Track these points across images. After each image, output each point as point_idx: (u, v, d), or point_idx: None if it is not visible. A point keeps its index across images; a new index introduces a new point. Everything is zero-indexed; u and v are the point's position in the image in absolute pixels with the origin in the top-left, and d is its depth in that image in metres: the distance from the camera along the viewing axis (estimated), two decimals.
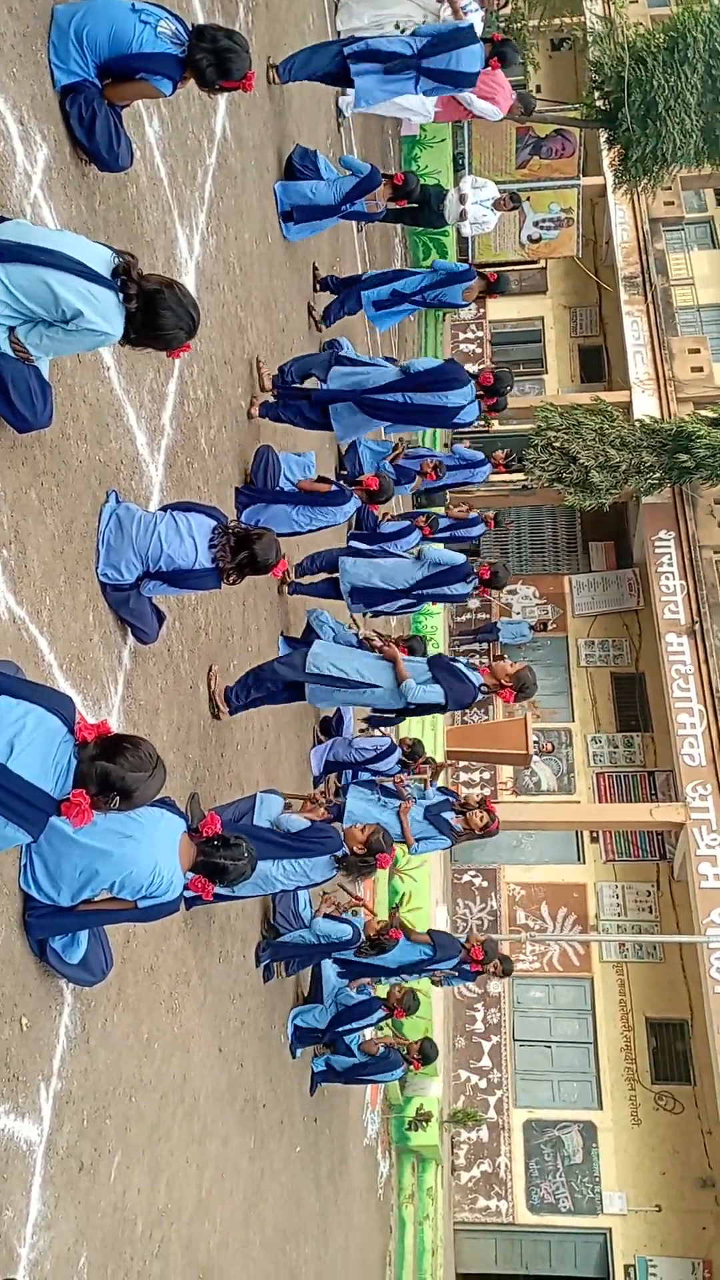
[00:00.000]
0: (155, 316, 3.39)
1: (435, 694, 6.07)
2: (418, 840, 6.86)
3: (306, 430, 7.36)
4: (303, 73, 7.48)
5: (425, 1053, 8.24)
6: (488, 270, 8.75)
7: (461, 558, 8.07)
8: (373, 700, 6.34)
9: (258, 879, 5.03)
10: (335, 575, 7.55)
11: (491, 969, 7.93)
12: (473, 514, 10.26)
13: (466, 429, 9.88)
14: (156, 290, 3.39)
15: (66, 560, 3.88)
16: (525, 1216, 15.33)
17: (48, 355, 3.39)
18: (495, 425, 20.19)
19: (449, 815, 6.89)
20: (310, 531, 7.07)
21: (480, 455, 8.66)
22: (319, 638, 7.16)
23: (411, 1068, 8.39)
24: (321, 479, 6.72)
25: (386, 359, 7.59)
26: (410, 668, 6.10)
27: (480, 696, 6.33)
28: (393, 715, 7.69)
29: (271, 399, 6.82)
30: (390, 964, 7.51)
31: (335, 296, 8.73)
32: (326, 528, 7.12)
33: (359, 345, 9.89)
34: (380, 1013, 7.66)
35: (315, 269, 8.76)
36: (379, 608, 7.96)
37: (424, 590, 7.71)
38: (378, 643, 6.21)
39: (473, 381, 7.47)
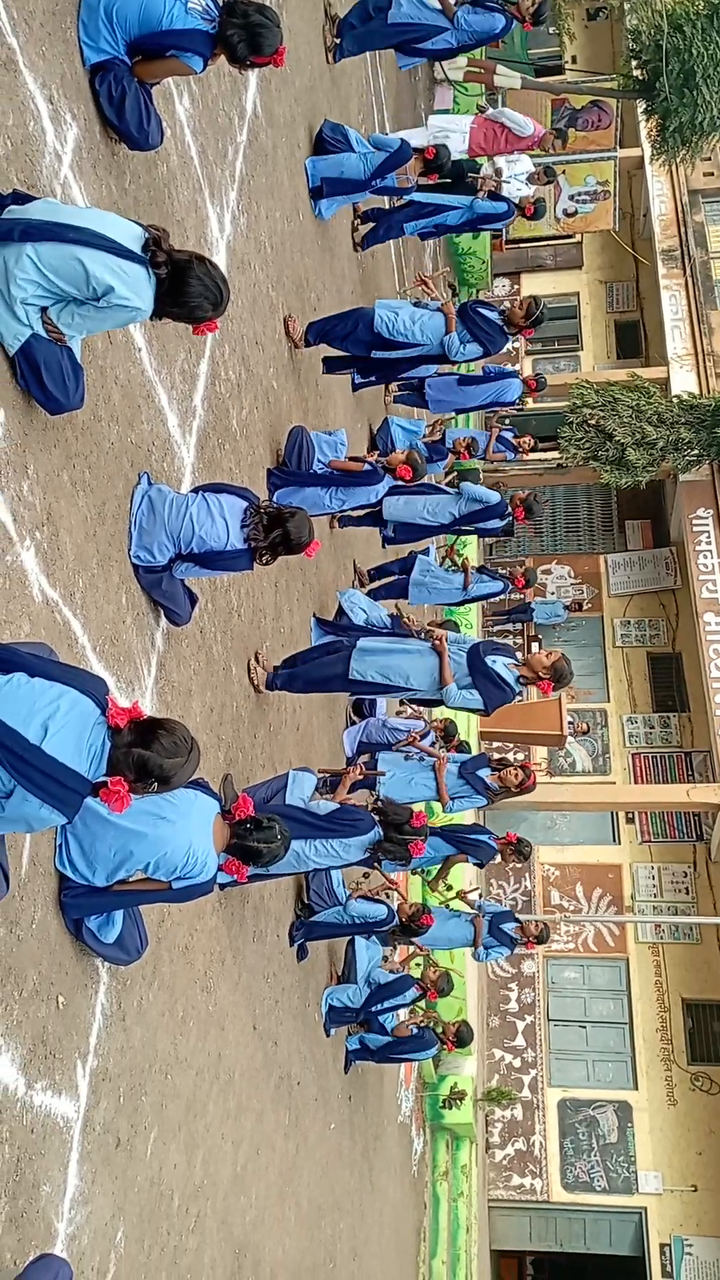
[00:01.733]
0: (183, 285, 3.38)
1: (474, 700, 6.08)
2: (453, 798, 6.84)
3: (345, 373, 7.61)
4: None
5: (461, 1036, 8.25)
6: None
7: (497, 495, 8.43)
8: (413, 696, 6.39)
9: (290, 857, 5.05)
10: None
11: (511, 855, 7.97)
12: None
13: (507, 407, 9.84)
14: (187, 262, 3.39)
15: (99, 543, 3.89)
16: (560, 1194, 15.37)
17: (80, 334, 3.39)
18: (530, 403, 20.01)
19: (484, 773, 6.86)
20: (338, 521, 7.10)
21: (496, 496, 8.69)
22: (351, 620, 7.15)
23: (445, 1048, 8.42)
24: (354, 458, 6.69)
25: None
26: (452, 664, 6.08)
27: (518, 694, 6.33)
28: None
29: (304, 344, 6.94)
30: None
31: (375, 224, 8.76)
32: (360, 508, 7.10)
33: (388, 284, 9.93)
34: (414, 992, 7.68)
35: (355, 209, 8.84)
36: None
37: (462, 525, 8.43)
38: (434, 641, 6.17)
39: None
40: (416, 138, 9.73)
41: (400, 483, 7.22)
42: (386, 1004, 7.50)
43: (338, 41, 8.15)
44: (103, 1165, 3.72)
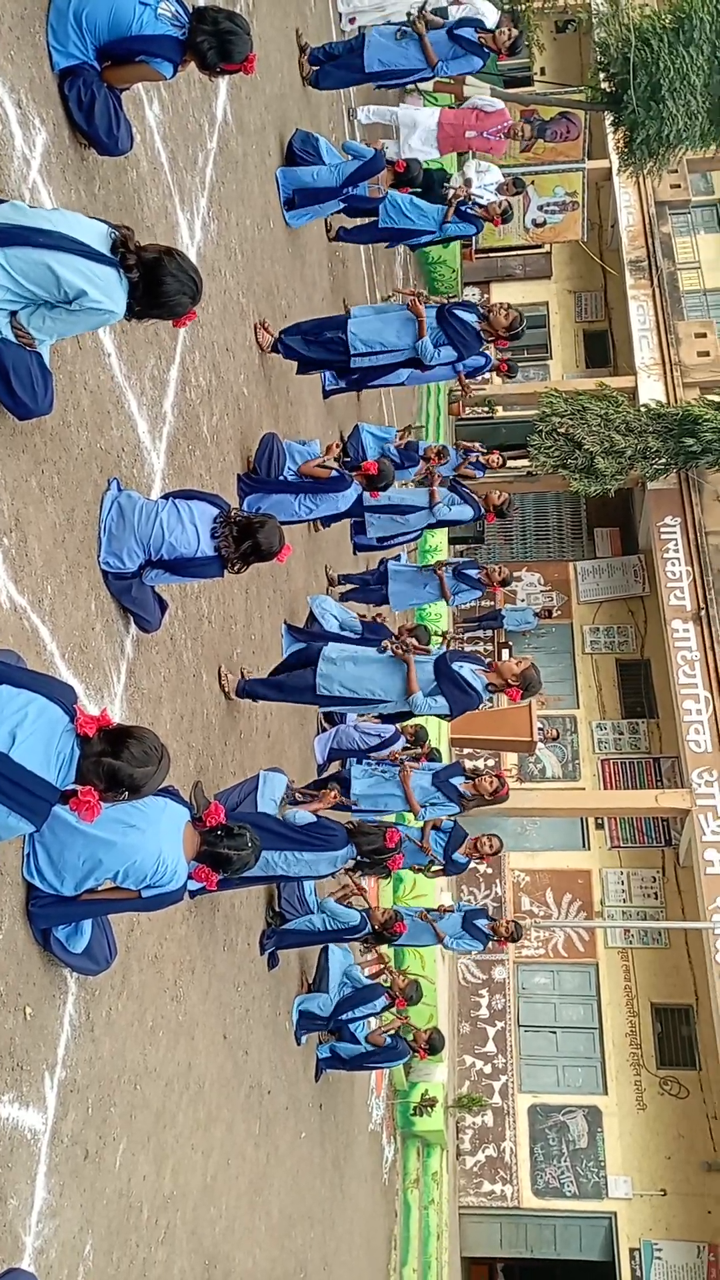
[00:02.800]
0: (158, 284, 3.37)
1: (440, 706, 6.10)
2: (426, 806, 6.85)
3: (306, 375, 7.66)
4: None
5: (433, 1043, 8.27)
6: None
7: (470, 511, 8.78)
8: (381, 709, 6.41)
9: (259, 864, 5.04)
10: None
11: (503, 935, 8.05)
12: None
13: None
14: (157, 259, 3.37)
15: (68, 549, 3.86)
16: (530, 1200, 15.39)
17: (51, 338, 3.37)
18: (500, 412, 20.14)
19: (457, 781, 6.88)
20: (316, 526, 7.09)
21: (470, 513, 8.91)
22: (323, 626, 7.15)
23: (418, 1056, 8.42)
24: (322, 464, 6.70)
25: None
26: (418, 671, 6.10)
27: (485, 699, 6.35)
28: None
29: (274, 348, 6.92)
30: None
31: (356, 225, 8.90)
32: (329, 515, 7.10)
33: (358, 291, 9.98)
34: (383, 1000, 7.68)
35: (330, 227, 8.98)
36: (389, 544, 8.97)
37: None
38: (395, 648, 6.18)
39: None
40: (384, 116, 9.78)
41: (367, 489, 7.24)
42: (356, 1012, 7.49)
43: (315, 69, 8.21)
44: (71, 1177, 3.68)
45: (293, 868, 5.46)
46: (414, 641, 6.56)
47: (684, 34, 14.33)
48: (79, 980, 3.76)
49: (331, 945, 7.57)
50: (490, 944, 8.33)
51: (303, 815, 5.57)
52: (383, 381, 8.55)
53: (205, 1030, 5.19)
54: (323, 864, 5.51)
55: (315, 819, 5.59)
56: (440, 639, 9.18)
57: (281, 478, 6.47)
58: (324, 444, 7.11)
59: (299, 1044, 7.27)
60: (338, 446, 6.97)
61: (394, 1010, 7.91)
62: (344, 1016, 7.44)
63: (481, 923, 8.14)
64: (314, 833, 5.49)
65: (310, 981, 7.58)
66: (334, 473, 6.64)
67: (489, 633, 18.54)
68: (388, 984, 7.88)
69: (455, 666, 6.07)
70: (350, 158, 7.69)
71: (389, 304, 7.62)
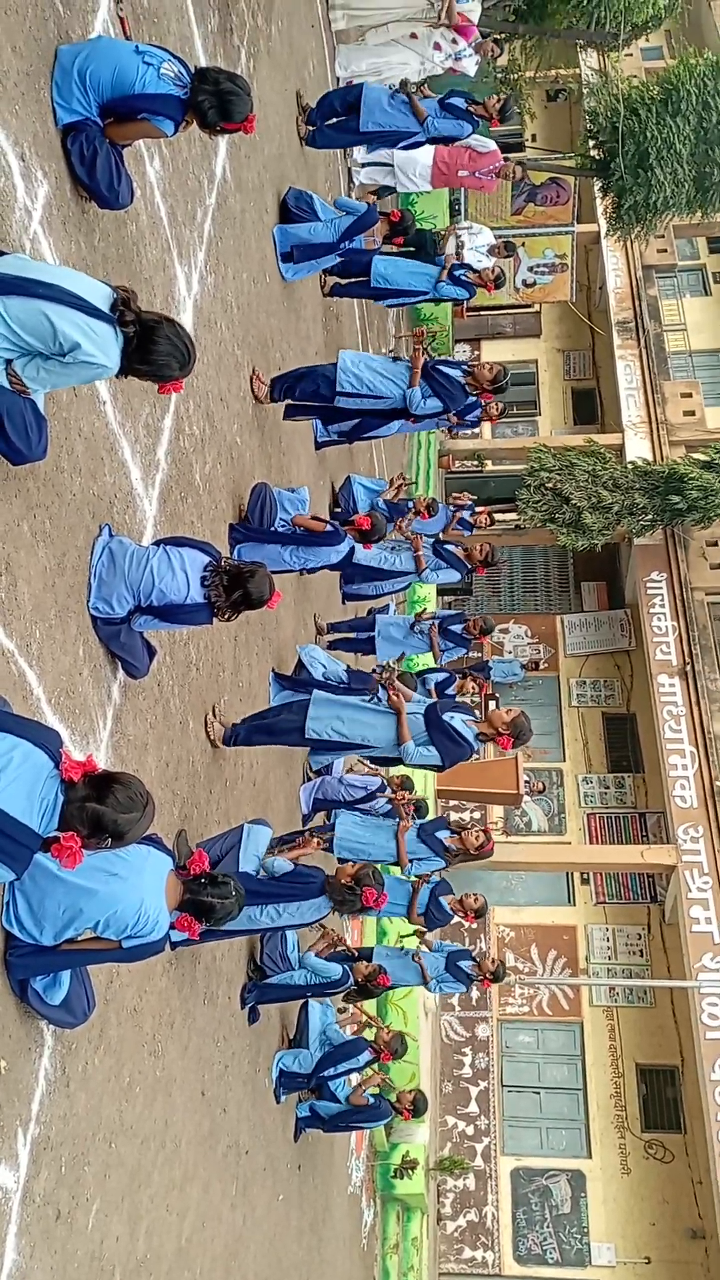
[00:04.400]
0: (151, 344, 3.42)
1: (432, 756, 6.07)
2: (412, 861, 6.79)
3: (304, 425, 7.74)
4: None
5: (416, 1106, 8.12)
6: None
7: (458, 575, 8.88)
8: (371, 754, 6.37)
9: (242, 918, 4.96)
10: None
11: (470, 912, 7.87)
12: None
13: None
14: (156, 322, 3.43)
15: (57, 593, 3.86)
16: (512, 1268, 15.02)
17: (44, 388, 3.40)
18: (489, 466, 20.36)
19: (443, 835, 6.83)
20: (303, 572, 7.09)
21: (456, 576, 9.06)
22: (310, 674, 7.13)
23: (401, 1117, 8.26)
24: (316, 517, 6.74)
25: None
26: (409, 721, 6.08)
27: (475, 751, 6.34)
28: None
29: (269, 399, 7.00)
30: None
31: (349, 281, 9.01)
32: (320, 568, 7.13)
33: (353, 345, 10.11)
34: (367, 1055, 7.54)
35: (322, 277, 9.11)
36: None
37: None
38: (392, 697, 6.17)
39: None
40: (381, 176, 10.01)
41: (360, 542, 7.28)
42: (339, 1068, 7.35)
43: (311, 129, 8.43)
44: (42, 1239, 3.57)
45: (281, 919, 5.38)
46: (401, 686, 6.54)
47: (671, 104, 14.76)
48: (56, 1033, 3.69)
49: (311, 1001, 7.45)
50: (475, 984, 8.20)
51: (280, 864, 5.51)
52: (374, 434, 8.64)
53: (183, 1087, 5.08)
54: (308, 912, 5.44)
55: (293, 867, 5.52)
56: (418, 617, 9.11)
57: (274, 528, 6.49)
58: (314, 493, 7.17)
59: (278, 1102, 7.12)
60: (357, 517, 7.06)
61: (377, 1065, 7.77)
62: (326, 1073, 7.29)
63: (466, 964, 8.03)
64: (293, 881, 5.42)
65: (291, 1037, 7.45)
66: (328, 526, 6.68)
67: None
68: (372, 1038, 7.75)
69: (446, 717, 6.06)
70: (344, 213, 7.85)
71: (379, 356, 7.73)
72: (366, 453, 11.96)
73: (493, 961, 8.22)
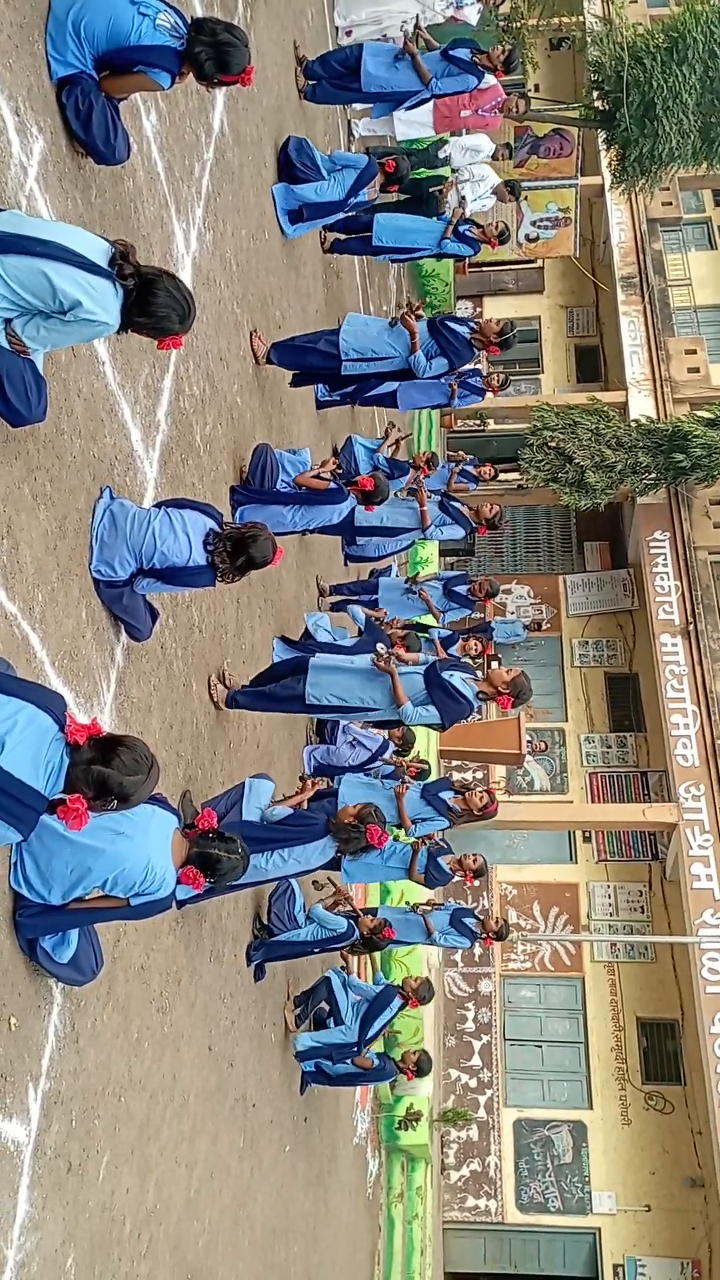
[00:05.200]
0: (151, 296, 3.39)
1: (431, 715, 6.08)
2: (415, 821, 6.83)
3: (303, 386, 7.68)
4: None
5: (420, 1065, 8.24)
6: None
7: (461, 531, 8.78)
8: (372, 717, 6.39)
9: (250, 870, 5.03)
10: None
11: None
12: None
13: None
14: (155, 276, 3.40)
15: (59, 556, 3.85)
16: (514, 1215, 15.33)
17: (44, 347, 3.37)
18: (491, 425, 20.21)
19: (446, 795, 6.87)
20: (305, 532, 7.06)
21: (460, 532, 8.96)
22: (315, 639, 7.14)
23: (405, 1077, 8.41)
24: (318, 476, 6.70)
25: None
26: (407, 682, 6.07)
27: (475, 709, 6.35)
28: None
29: (268, 359, 6.95)
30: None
31: (351, 237, 8.93)
32: (323, 528, 7.10)
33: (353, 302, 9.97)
34: (399, 1002, 7.66)
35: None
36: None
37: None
38: (380, 663, 6.17)
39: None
40: (380, 125, 9.84)
41: (363, 503, 7.24)
42: (378, 1022, 7.49)
43: (311, 84, 8.27)
44: (54, 1190, 3.65)
45: (287, 865, 5.43)
46: (401, 652, 6.54)
47: (677, 53, 14.45)
48: (65, 991, 3.74)
49: (332, 977, 7.60)
50: (478, 941, 8.31)
51: (279, 810, 5.55)
52: (376, 393, 8.56)
53: (191, 1042, 5.16)
54: (314, 855, 5.48)
55: (292, 811, 5.57)
56: (412, 580, 9.09)
57: (275, 488, 6.47)
58: (315, 454, 7.13)
59: (301, 1094, 7.36)
60: (334, 461, 6.98)
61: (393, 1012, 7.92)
62: (371, 1033, 7.45)
63: (470, 921, 8.13)
64: (292, 823, 5.47)
65: (318, 1018, 7.62)
66: (330, 485, 6.64)
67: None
68: (399, 984, 7.87)
69: (445, 675, 6.07)
70: (342, 167, 7.74)
71: (381, 318, 7.65)
72: (369, 413, 11.87)
73: (497, 920, 8.32)
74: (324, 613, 8.07)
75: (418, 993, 7.69)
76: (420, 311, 7.65)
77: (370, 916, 7.56)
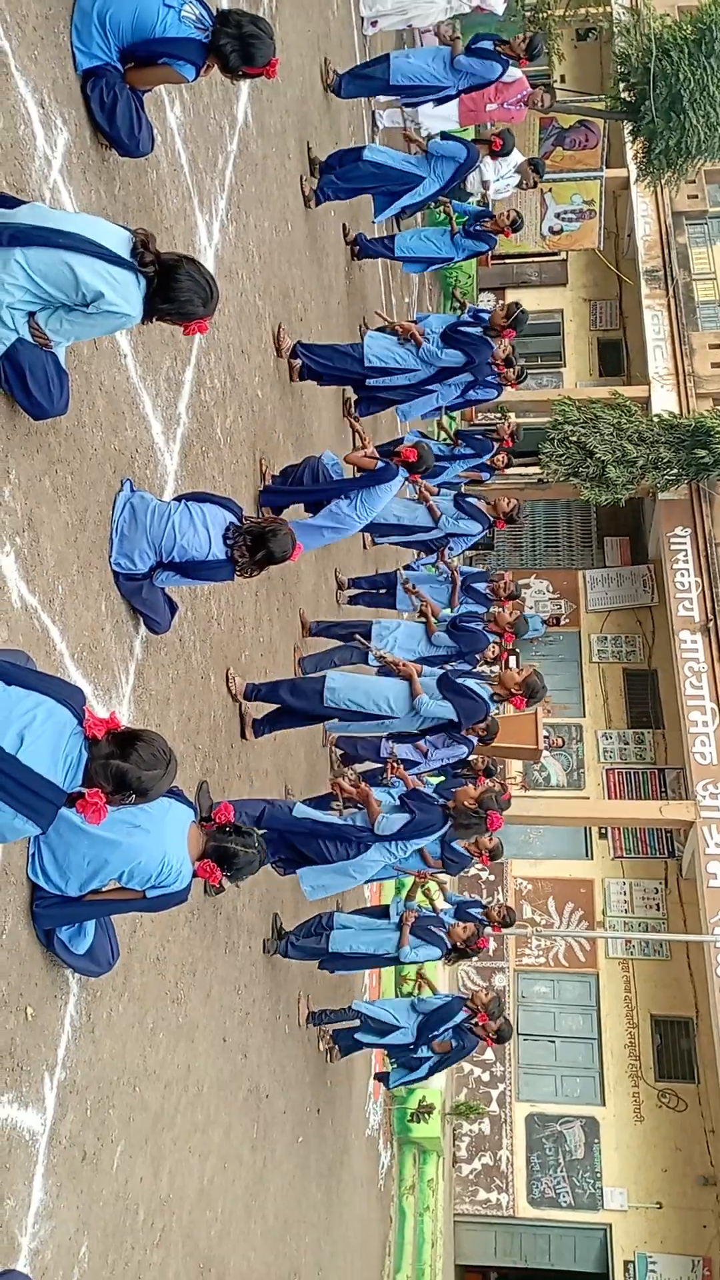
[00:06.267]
0: (173, 281, 3.40)
1: (446, 709, 6.11)
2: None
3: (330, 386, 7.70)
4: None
5: (501, 1034, 7.96)
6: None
7: (479, 527, 8.63)
8: (389, 728, 6.40)
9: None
10: None
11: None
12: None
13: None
14: (176, 261, 3.41)
15: (79, 549, 3.86)
16: (525, 1210, 15.35)
17: (67, 340, 3.38)
18: (512, 418, 20.11)
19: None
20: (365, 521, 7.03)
21: (477, 528, 8.85)
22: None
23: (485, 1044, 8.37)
24: (368, 454, 6.65)
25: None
26: (422, 685, 6.11)
27: (491, 710, 6.38)
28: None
29: (292, 354, 6.96)
30: None
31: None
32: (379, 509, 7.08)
33: (374, 295, 9.95)
34: (464, 1013, 7.60)
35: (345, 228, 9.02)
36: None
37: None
38: (400, 666, 6.18)
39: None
40: (405, 117, 9.84)
41: (408, 473, 7.19)
42: (439, 1031, 7.50)
43: (336, 78, 8.28)
44: (68, 1179, 3.67)
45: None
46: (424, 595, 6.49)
47: (705, 45, 14.33)
48: (81, 981, 3.76)
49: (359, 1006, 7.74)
50: (484, 927, 8.29)
51: (392, 819, 5.70)
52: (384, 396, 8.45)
53: (205, 1033, 5.19)
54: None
55: (408, 817, 5.67)
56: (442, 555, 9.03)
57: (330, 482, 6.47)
58: (339, 445, 7.12)
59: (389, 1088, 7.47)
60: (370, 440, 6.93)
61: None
62: (431, 1037, 7.50)
63: (475, 911, 8.14)
64: (422, 809, 5.58)
65: (368, 1029, 7.71)
66: (379, 462, 6.58)
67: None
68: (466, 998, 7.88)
69: (459, 680, 6.10)
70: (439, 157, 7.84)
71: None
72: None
73: (500, 909, 8.29)
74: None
75: (487, 1007, 7.64)
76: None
77: (462, 924, 7.49)
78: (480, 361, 7.52)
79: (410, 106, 9.28)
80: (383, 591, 8.89)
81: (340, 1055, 8.12)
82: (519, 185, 10.76)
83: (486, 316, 7.90)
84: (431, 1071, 8.01)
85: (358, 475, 6.47)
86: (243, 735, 5.77)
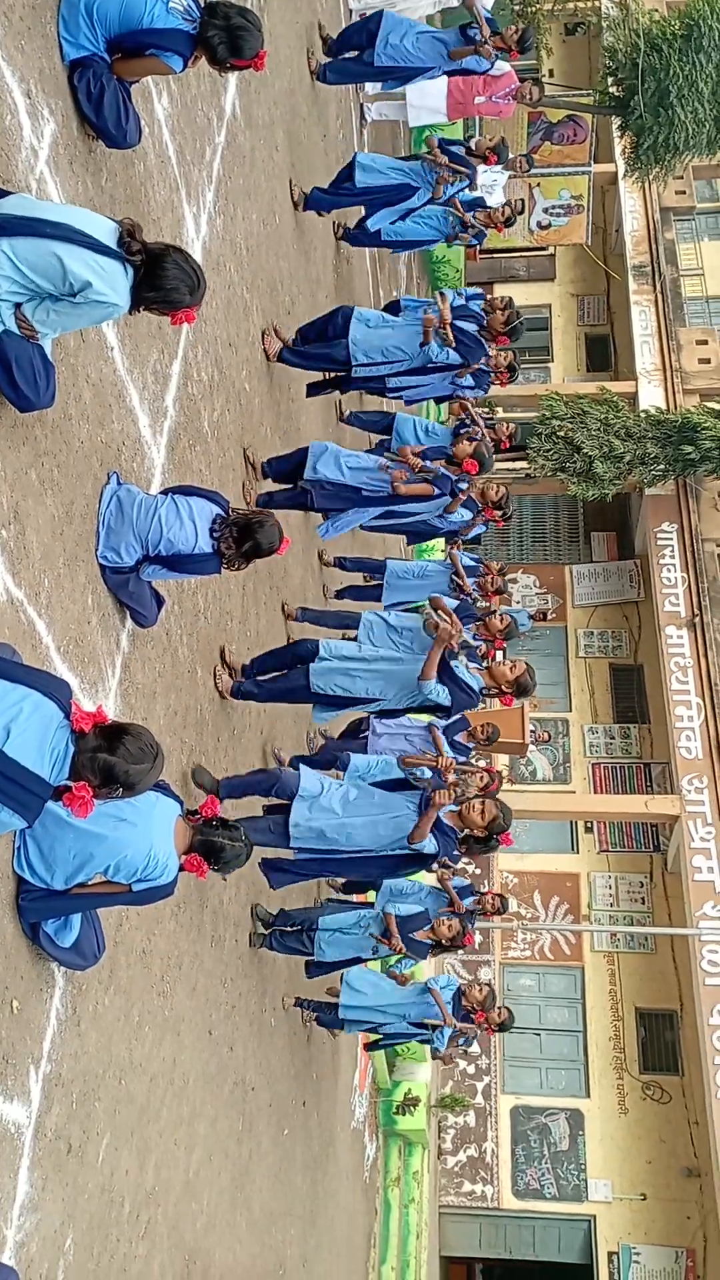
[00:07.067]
0: (160, 270, 3.39)
1: (445, 695, 6.13)
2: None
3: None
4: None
5: (504, 1025, 8.09)
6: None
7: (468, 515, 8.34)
8: (376, 708, 6.40)
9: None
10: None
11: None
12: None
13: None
14: (162, 250, 3.40)
15: (66, 542, 3.85)
16: (510, 1201, 15.43)
17: (54, 331, 3.36)
18: (500, 413, 20.11)
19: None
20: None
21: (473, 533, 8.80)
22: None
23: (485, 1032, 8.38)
24: (421, 476, 6.73)
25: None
26: (412, 669, 6.09)
27: (481, 701, 6.39)
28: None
29: (279, 357, 6.94)
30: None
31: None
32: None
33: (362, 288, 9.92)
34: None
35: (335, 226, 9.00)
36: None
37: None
38: (450, 620, 6.14)
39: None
40: (393, 111, 9.81)
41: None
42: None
43: (328, 58, 8.23)
44: (53, 1172, 3.68)
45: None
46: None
47: (693, 41, 14.35)
48: (66, 974, 3.76)
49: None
50: (476, 917, 8.33)
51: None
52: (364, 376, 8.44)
53: (191, 1026, 5.19)
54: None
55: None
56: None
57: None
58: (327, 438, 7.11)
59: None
60: (414, 453, 6.88)
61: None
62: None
63: (469, 900, 8.12)
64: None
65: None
66: (435, 491, 6.65)
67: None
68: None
69: (453, 665, 6.09)
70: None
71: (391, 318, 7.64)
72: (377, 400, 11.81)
73: (493, 895, 8.30)
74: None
75: (484, 1004, 7.70)
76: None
77: (447, 922, 7.48)
78: (473, 363, 7.50)
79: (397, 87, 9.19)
80: (372, 580, 8.83)
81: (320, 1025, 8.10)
82: (507, 170, 10.74)
83: (477, 306, 7.86)
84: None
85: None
86: (221, 694, 5.77)
